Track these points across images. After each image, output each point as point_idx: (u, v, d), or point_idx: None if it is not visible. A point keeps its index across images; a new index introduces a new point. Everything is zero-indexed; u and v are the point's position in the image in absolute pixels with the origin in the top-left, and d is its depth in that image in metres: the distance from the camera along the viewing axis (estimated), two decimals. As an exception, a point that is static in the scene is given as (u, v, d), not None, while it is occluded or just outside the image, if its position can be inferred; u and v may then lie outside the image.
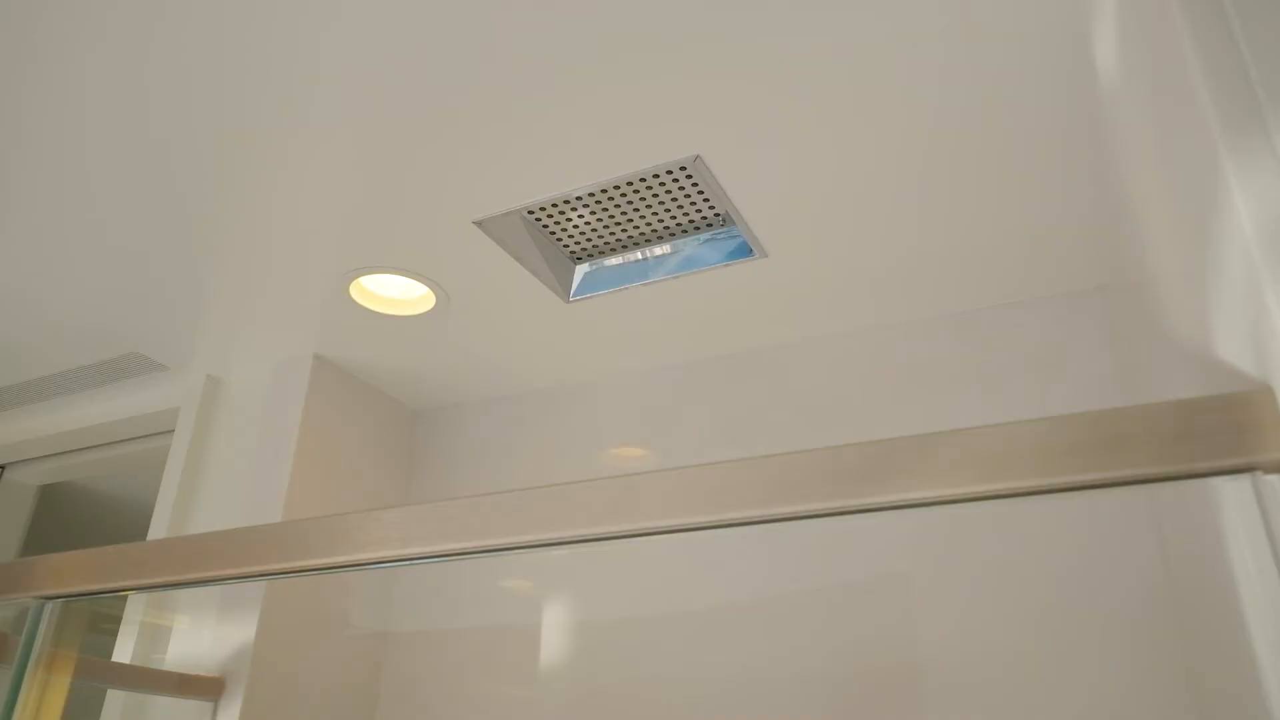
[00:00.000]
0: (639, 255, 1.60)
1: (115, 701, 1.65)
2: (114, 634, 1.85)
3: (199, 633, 1.64)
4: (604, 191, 1.41)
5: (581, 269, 1.64)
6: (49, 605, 0.78)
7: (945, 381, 1.64)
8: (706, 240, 1.56)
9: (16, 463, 2.19)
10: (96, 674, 1.33)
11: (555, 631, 1.74)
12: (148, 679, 1.46)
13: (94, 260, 1.56)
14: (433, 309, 1.68)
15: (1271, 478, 0.47)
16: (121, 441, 2.09)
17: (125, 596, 1.88)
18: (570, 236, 1.54)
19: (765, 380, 1.80)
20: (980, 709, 1.38)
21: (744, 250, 1.54)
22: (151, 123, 1.23)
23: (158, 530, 1.82)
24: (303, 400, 1.80)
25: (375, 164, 1.31)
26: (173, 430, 2.03)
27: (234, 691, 1.54)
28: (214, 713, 1.53)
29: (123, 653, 1.74)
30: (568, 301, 1.66)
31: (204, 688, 1.52)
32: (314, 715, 1.66)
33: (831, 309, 1.68)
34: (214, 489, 1.85)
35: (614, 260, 1.62)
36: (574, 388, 1.99)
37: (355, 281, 1.62)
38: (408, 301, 1.68)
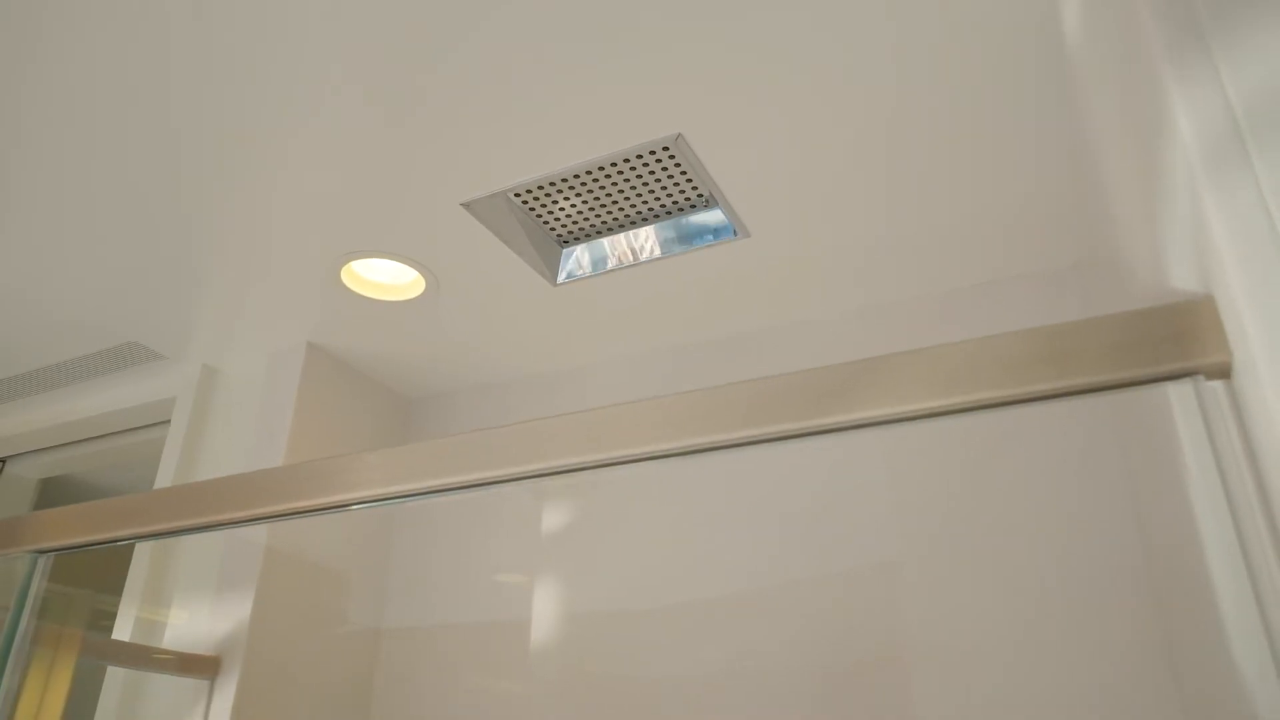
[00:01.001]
0: (625, 237, 1.62)
1: (114, 685, 1.66)
2: (109, 630, 1.86)
3: (195, 617, 1.66)
4: (588, 173, 1.43)
5: (568, 252, 1.67)
6: (42, 559, 0.80)
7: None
8: (691, 222, 1.58)
9: (17, 455, 2.20)
10: (100, 652, 1.35)
11: (547, 622, 1.76)
12: (148, 657, 1.48)
13: (91, 250, 1.58)
14: (423, 294, 1.71)
15: (1214, 384, 0.50)
16: (120, 433, 2.11)
17: (120, 593, 1.89)
18: (557, 219, 1.57)
19: (753, 363, 1.83)
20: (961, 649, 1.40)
21: (728, 231, 1.56)
22: (147, 116, 1.25)
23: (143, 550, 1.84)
24: (296, 388, 1.81)
25: (363, 148, 1.34)
26: (169, 421, 2.04)
27: (230, 670, 1.55)
28: (210, 691, 1.54)
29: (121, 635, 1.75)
30: (555, 285, 1.69)
31: (201, 666, 1.54)
32: (309, 692, 1.67)
33: (815, 290, 1.71)
34: (214, 470, 1.87)
35: (600, 243, 1.64)
36: (563, 373, 2.01)
37: (347, 266, 1.64)
38: (398, 287, 1.71)
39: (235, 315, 1.77)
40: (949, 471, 1.56)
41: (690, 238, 1.59)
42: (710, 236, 1.58)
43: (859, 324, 1.75)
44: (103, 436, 2.13)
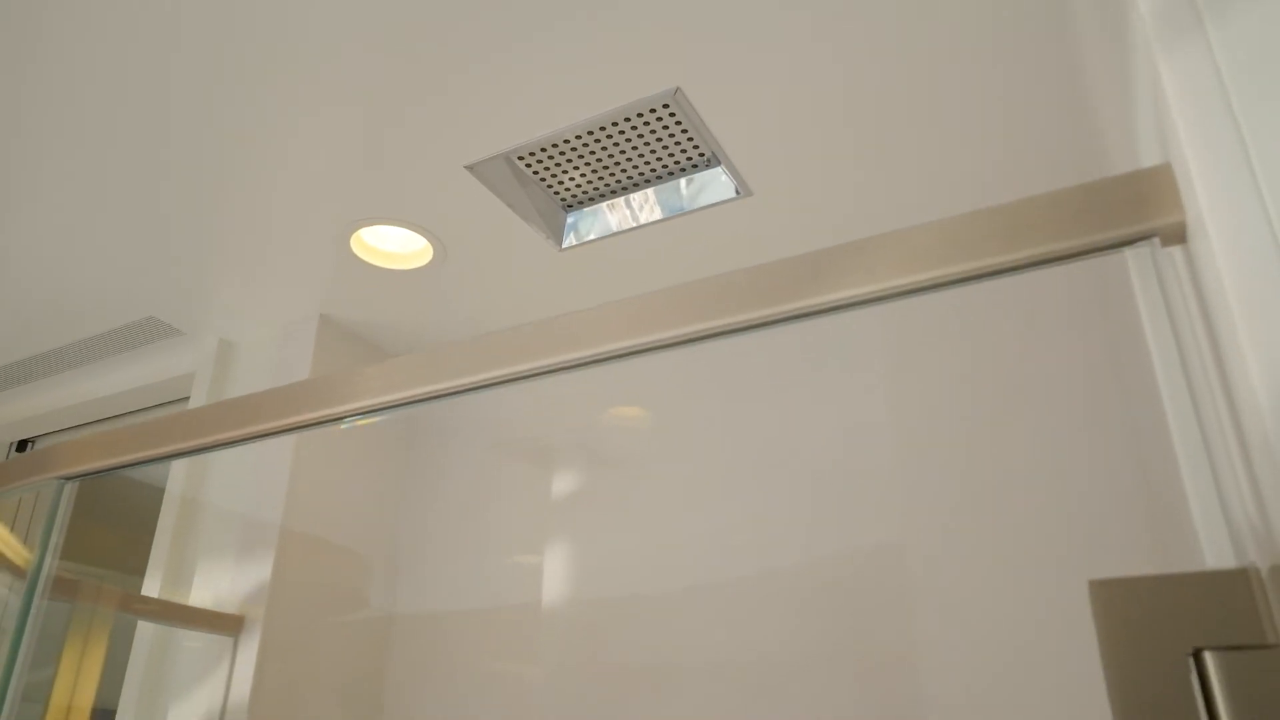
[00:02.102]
0: (629, 200, 1.65)
1: (143, 645, 1.71)
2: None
3: (218, 585, 1.70)
4: (590, 134, 1.46)
5: (573, 216, 1.69)
6: (68, 485, 0.84)
7: (935, 323, 1.68)
8: (694, 182, 1.60)
9: (41, 436, 2.26)
10: (136, 607, 1.40)
11: (555, 603, 1.79)
12: (178, 613, 1.53)
13: (109, 225, 1.62)
14: (430, 261, 1.74)
15: (1171, 249, 0.51)
16: (140, 411, 2.16)
17: (143, 575, 1.94)
18: (560, 183, 1.59)
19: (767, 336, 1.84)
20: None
21: (731, 190, 1.58)
22: (159, 94, 1.29)
23: (172, 494, 1.88)
24: (310, 360, 1.85)
25: (368, 113, 1.37)
26: (189, 397, 2.09)
27: (252, 628, 1.59)
28: (234, 648, 1.59)
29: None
30: (561, 249, 1.71)
31: (225, 624, 1.58)
32: (328, 645, 1.71)
33: (821, 246, 1.72)
34: (229, 455, 1.91)
35: (603, 206, 1.67)
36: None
37: (356, 235, 1.67)
38: (407, 255, 1.74)
39: (249, 288, 1.81)
40: (956, 434, 1.57)
41: (694, 198, 1.61)
42: (715, 197, 1.60)
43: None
44: (124, 415, 2.18)
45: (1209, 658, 0.41)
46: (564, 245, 1.71)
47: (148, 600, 1.58)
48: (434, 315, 1.95)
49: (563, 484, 1.89)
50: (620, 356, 0.61)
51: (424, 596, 1.92)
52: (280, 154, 1.46)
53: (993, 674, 1.38)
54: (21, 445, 2.29)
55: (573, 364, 0.62)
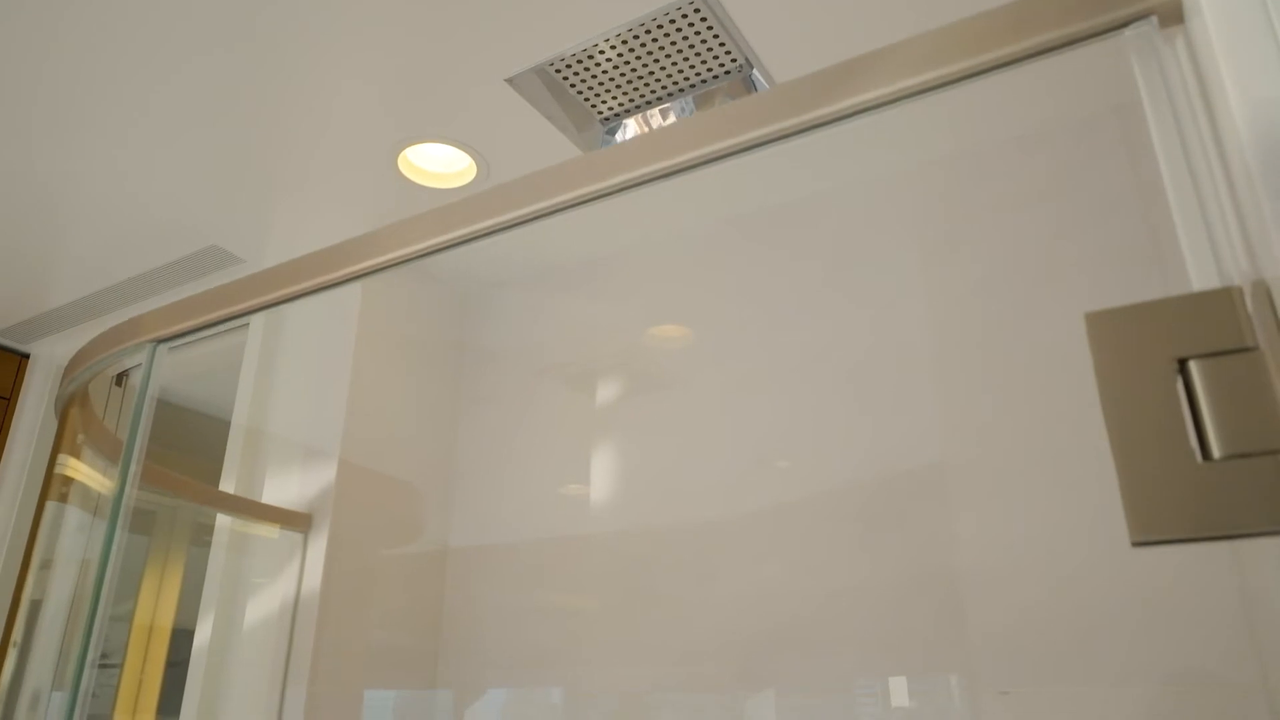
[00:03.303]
0: (663, 111, 1.69)
1: (221, 544, 1.83)
2: (209, 545, 2.02)
3: (287, 492, 1.81)
4: (622, 41, 1.50)
5: (610, 128, 1.74)
6: (161, 347, 0.92)
7: (966, 214, 1.70)
8: (730, 90, 1.64)
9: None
10: (215, 500, 1.51)
11: (599, 532, 1.86)
12: (252, 508, 1.64)
13: (171, 158, 1.71)
14: (474, 179, 1.80)
15: (1170, 30, 0.55)
16: (203, 339, 2.27)
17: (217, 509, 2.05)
18: (597, 95, 1.64)
19: (804, 230, 1.88)
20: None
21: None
22: (215, 22, 1.36)
23: (238, 425, 1.99)
24: (360, 285, 1.94)
25: (409, 30, 1.43)
26: (247, 324, 2.19)
27: (320, 525, 1.70)
28: (305, 544, 1.69)
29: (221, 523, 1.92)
30: (600, 161, 1.76)
31: (296, 520, 1.69)
32: (389, 542, 1.82)
33: (862, 151, 1.75)
34: (289, 375, 2.01)
35: (641, 118, 1.71)
36: (612, 256, 2.09)
37: (403, 155, 1.74)
38: (451, 174, 1.80)
39: (303, 213, 1.90)
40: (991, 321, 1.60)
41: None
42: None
43: (901, 186, 1.79)
44: (186, 346, 2.30)
45: (1193, 365, 0.45)
46: (602, 158, 1.75)
47: (225, 494, 1.70)
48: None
49: (607, 408, 1.96)
50: (659, 178, 0.67)
51: (476, 527, 2.01)
52: (327, 79, 1.52)
53: (1035, 593, 1.43)
54: (119, 378, 2.44)
55: (618, 187, 0.68)
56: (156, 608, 2.77)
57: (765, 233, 1.92)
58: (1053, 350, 1.52)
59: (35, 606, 1.61)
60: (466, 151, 1.73)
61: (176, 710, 1.77)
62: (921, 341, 1.65)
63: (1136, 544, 0.43)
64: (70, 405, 1.23)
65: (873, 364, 1.68)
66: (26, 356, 2.52)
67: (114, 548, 0.98)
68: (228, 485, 1.98)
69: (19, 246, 2.02)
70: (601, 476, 1.89)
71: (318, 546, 1.66)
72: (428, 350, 2.11)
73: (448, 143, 1.71)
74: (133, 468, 0.97)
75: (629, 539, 1.80)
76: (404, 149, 1.72)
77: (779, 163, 1.81)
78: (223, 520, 2.03)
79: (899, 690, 1.48)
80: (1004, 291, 1.60)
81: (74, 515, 1.53)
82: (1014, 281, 1.59)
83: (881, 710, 1.49)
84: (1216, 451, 0.43)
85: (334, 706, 1.65)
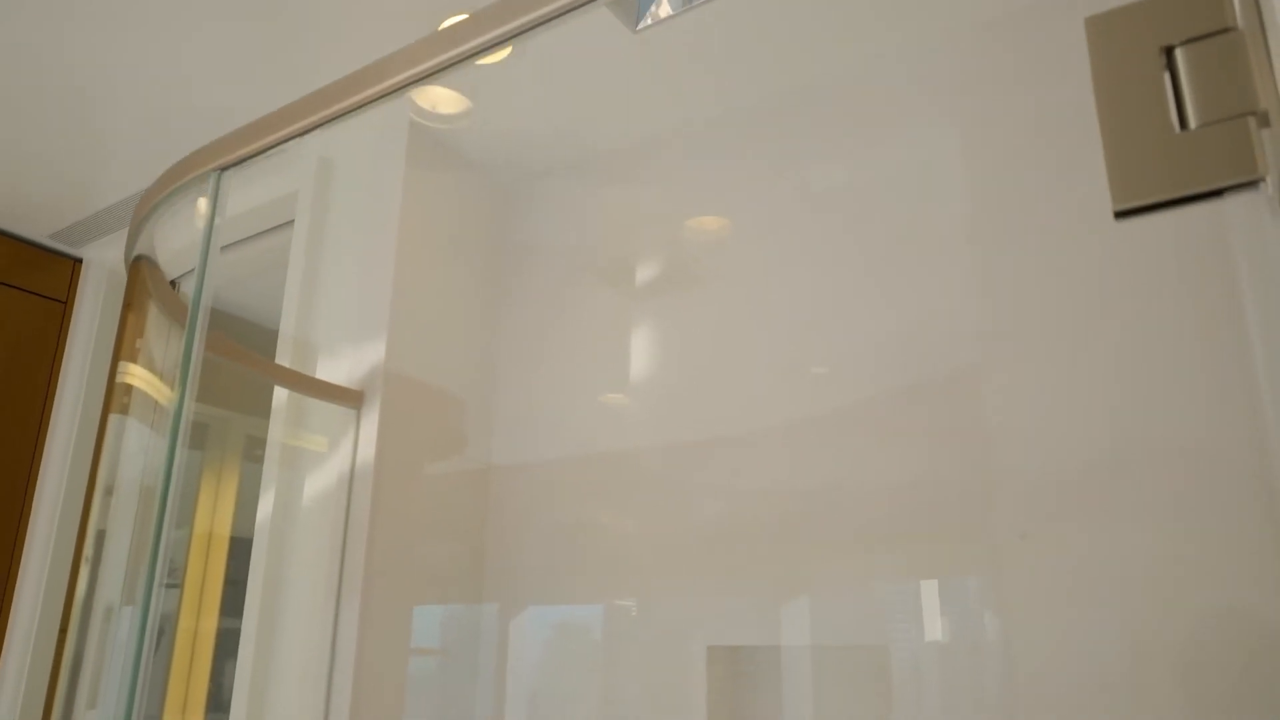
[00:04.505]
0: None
1: (279, 419, 1.93)
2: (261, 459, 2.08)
3: (338, 361, 1.89)
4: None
5: (647, -6, 1.72)
6: (224, 174, 0.98)
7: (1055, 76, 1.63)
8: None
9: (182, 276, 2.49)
10: (270, 371, 1.59)
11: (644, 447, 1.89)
12: (305, 383, 1.73)
13: (213, 41, 1.74)
14: (509, 54, 1.83)
15: None
16: (247, 240, 2.35)
17: (266, 416, 2.12)
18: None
19: (841, 122, 1.84)
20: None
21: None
22: None
23: (286, 335, 2.05)
24: (403, 161, 1.99)
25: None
26: (292, 221, 2.26)
27: (371, 401, 1.78)
28: (358, 419, 1.78)
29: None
30: (635, 31, 1.76)
31: (348, 397, 1.78)
32: (438, 420, 1.91)
33: (923, 16, 1.69)
34: (334, 271, 2.08)
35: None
36: (654, 139, 2.08)
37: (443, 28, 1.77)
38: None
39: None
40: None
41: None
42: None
43: (960, 52, 1.72)
44: (234, 243, 2.37)
45: (1179, 52, 0.48)
46: (639, 26, 1.75)
47: (283, 368, 1.79)
48: (515, 119, 2.05)
49: (645, 309, 1.96)
50: None
51: (516, 442, 2.02)
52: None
53: (1073, 501, 1.38)
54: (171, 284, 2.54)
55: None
56: (213, 524, 2.88)
57: (800, 114, 1.87)
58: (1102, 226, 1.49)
59: (101, 525, 1.69)
60: (500, 26, 1.75)
61: (238, 618, 1.85)
62: (960, 220, 1.61)
63: (1119, 213, 0.47)
64: (138, 268, 1.30)
65: (911, 244, 1.65)
66: (79, 261, 2.59)
67: (176, 459, 1.00)
68: (278, 403, 2.05)
69: (63, 144, 2.08)
70: (639, 384, 1.89)
71: (370, 420, 1.75)
72: (468, 246, 2.16)
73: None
74: (198, 337, 1.04)
75: (668, 453, 1.81)
76: (439, 25, 1.75)
77: (821, 31, 1.76)
78: (274, 433, 2.09)
79: (930, 592, 1.46)
80: (1046, 165, 1.54)
81: (134, 429, 1.60)
82: (1051, 158, 1.52)
83: (915, 636, 1.46)
84: (1194, 121, 0.46)
85: (385, 618, 1.73)
